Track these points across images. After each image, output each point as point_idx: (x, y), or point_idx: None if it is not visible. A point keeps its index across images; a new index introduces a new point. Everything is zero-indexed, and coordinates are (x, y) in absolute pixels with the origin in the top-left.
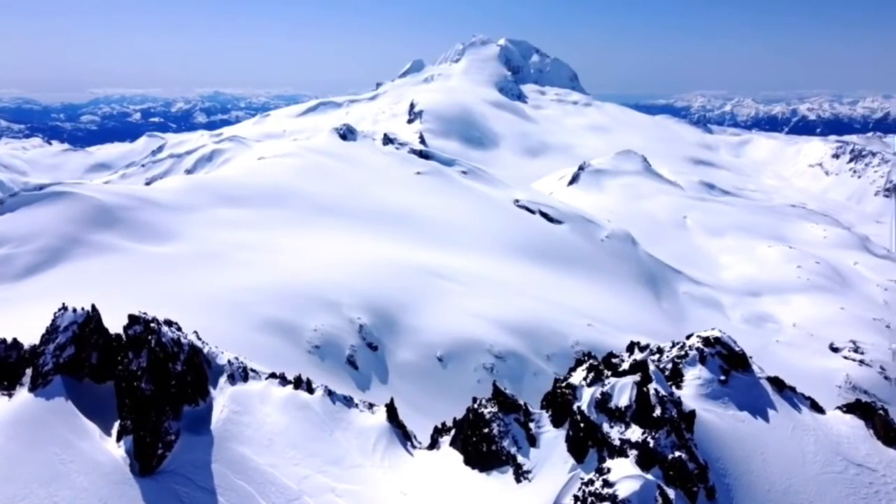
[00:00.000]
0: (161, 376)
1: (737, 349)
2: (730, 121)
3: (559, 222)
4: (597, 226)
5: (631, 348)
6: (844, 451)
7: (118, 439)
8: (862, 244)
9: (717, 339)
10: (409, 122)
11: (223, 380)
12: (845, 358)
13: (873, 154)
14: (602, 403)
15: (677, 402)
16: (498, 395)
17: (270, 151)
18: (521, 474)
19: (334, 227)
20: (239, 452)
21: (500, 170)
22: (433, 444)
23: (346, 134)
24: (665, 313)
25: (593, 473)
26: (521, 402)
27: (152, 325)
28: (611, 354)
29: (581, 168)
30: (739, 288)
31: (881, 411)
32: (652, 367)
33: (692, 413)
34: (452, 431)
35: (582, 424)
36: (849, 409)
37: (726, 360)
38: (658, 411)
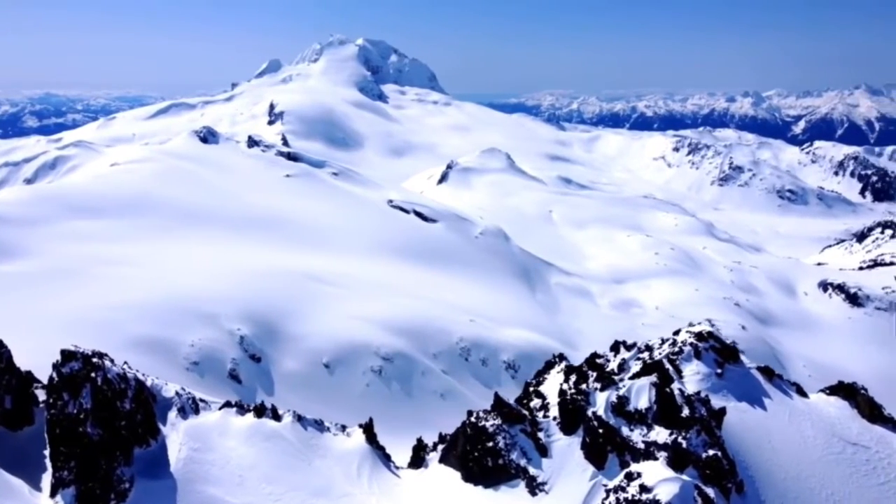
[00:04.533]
0: (109, 417)
1: (728, 341)
2: (577, 118)
3: (434, 221)
4: (470, 223)
5: (616, 348)
6: (839, 431)
7: (53, 494)
8: (708, 230)
9: (710, 334)
10: (270, 123)
11: (173, 414)
12: None
13: (707, 147)
14: (619, 407)
15: (705, 401)
16: (501, 406)
17: (124, 157)
18: (535, 486)
19: (203, 235)
20: (208, 494)
21: (366, 170)
22: (418, 463)
23: (207, 136)
24: (540, 304)
25: (621, 479)
26: (526, 412)
27: (94, 360)
28: (594, 355)
29: (449, 167)
30: (605, 276)
31: (862, 391)
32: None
33: (722, 410)
34: (440, 448)
35: (600, 430)
36: (832, 391)
37: (719, 353)
38: (686, 411)
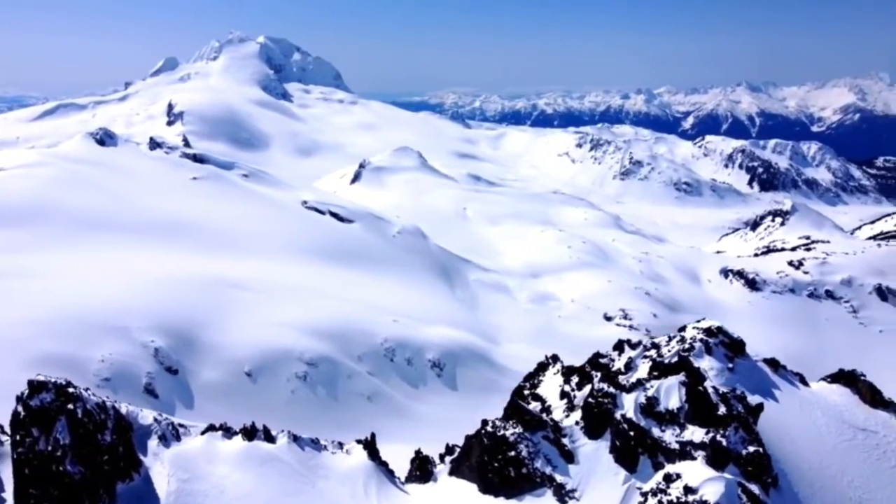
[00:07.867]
0: (90, 453)
1: (735, 336)
2: (480, 116)
3: (350, 221)
4: (387, 222)
5: (620, 346)
6: (848, 419)
7: None
8: (615, 222)
9: (719, 329)
10: (170, 123)
11: (154, 443)
12: (617, 325)
13: (608, 143)
14: (648, 408)
15: (741, 397)
16: (522, 414)
17: (11, 161)
18: (565, 494)
19: (107, 243)
20: None
21: (274, 171)
22: (425, 477)
23: (104, 138)
24: (460, 301)
25: (659, 481)
26: (547, 418)
27: (70, 390)
28: (598, 355)
29: (362, 166)
30: (521, 271)
31: (862, 377)
32: (699, 364)
33: (759, 406)
34: (448, 459)
35: (630, 432)
36: (833, 378)
37: (728, 347)
38: (723, 409)
